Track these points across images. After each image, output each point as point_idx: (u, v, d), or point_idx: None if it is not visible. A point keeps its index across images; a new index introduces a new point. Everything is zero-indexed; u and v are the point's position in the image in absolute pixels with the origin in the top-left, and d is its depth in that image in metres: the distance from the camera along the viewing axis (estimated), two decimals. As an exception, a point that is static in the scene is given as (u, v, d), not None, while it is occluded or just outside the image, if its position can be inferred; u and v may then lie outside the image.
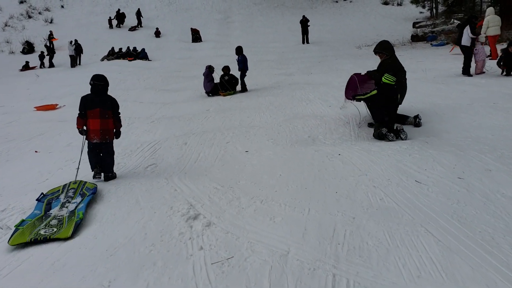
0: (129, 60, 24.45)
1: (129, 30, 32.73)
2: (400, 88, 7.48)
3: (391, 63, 7.61)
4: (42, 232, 4.42)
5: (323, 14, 32.41)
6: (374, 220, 4.09)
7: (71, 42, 24.73)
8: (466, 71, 12.17)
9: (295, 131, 7.81)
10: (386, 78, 7.15)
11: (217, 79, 13.36)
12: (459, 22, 25.18)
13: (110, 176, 6.03)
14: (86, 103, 5.87)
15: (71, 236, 4.31)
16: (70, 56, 24.48)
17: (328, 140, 7.12)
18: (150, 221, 4.50)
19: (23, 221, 4.67)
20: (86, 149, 6.11)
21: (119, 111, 6.27)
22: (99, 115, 5.88)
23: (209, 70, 13.08)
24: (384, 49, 7.81)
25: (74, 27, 32.14)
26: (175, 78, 17.56)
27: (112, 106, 6.05)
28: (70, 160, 7.19)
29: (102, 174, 6.04)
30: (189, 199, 4.98)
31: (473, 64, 12.23)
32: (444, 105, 8.87)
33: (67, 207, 5.03)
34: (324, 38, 26.83)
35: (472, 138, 6.37)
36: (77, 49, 24.97)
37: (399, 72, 7.52)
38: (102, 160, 6.04)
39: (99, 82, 5.95)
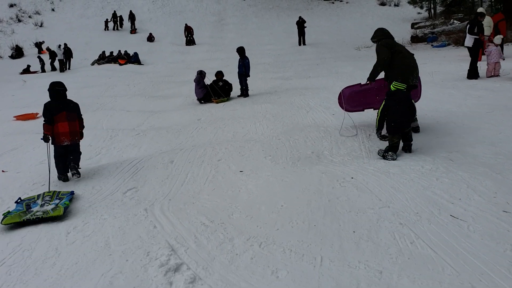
0: (121, 64, 23.39)
1: (130, 33, 31.73)
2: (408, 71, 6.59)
3: (384, 42, 6.80)
4: (36, 213, 4.81)
5: (319, 16, 31.47)
6: (407, 276, 3.11)
7: (59, 46, 23.64)
8: (470, 74, 11.26)
9: (296, 145, 6.82)
10: (395, 86, 6.15)
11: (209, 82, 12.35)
12: (458, 22, 24.39)
13: (77, 168, 6.20)
14: (51, 109, 6.02)
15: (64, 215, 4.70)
16: (59, 60, 23.42)
17: (335, 157, 6.13)
18: (119, 273, 3.49)
19: (9, 212, 4.87)
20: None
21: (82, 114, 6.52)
22: (66, 118, 6.06)
23: (200, 75, 12.06)
24: (376, 36, 7.06)
25: (65, 31, 31.04)
26: (166, 84, 16.53)
27: (75, 108, 6.31)
28: (39, 183, 6.16)
29: (69, 170, 6.19)
30: (170, 240, 3.97)
31: (484, 66, 11.31)
32: (460, 114, 7.92)
33: (47, 206, 5.05)
34: (321, 40, 25.88)
35: (505, 155, 5.39)
36: (66, 54, 23.91)
37: (395, 48, 6.77)
38: (69, 162, 6.20)
39: (60, 88, 6.19)
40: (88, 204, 5.22)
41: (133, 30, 31.84)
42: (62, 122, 6.01)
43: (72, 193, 5.49)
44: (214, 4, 36.73)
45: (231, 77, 14.96)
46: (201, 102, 12.01)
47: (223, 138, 7.90)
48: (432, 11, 29.31)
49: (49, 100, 6.19)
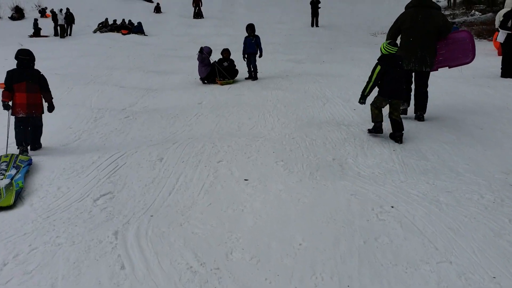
0: (123, 34, 21.91)
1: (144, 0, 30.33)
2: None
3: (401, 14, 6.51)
4: None
5: (333, -3, 29.70)
6: None
7: (61, 10, 22.12)
8: (505, 72, 9.97)
9: (313, 148, 5.53)
10: (387, 49, 5.70)
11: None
12: (480, 14, 22.80)
13: (37, 147, 5.93)
14: (12, 77, 5.64)
15: (14, 204, 4.16)
16: (60, 25, 21.94)
17: (362, 169, 4.85)
18: None
19: None
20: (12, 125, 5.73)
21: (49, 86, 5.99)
22: (26, 89, 5.64)
23: (201, 54, 10.60)
24: None
25: (69, -5, 29.35)
26: (169, 58, 15.11)
27: (39, 80, 5.81)
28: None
29: (29, 147, 5.79)
30: (141, 293, 2.74)
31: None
32: (505, 119, 6.63)
33: (1, 179, 4.64)
34: (334, 22, 24.27)
35: None
36: (68, 19, 22.42)
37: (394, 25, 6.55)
38: (29, 135, 5.81)
39: (24, 57, 5.74)
40: (47, 214, 3.96)
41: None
42: (21, 92, 5.61)
43: (30, 161, 5.09)
44: (225, -23, 34.85)
45: (240, 55, 13.59)
46: (204, 82, 10.65)
47: (226, 131, 6.60)
48: (452, 0, 27.59)
49: (15, 67, 5.78)
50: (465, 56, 6.74)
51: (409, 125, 6.19)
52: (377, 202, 3.85)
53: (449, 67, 7.00)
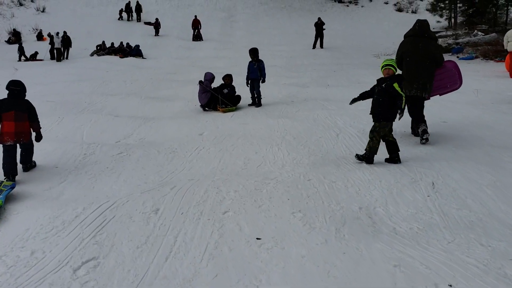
0: (120, 57, 21.22)
1: (145, 23, 29.71)
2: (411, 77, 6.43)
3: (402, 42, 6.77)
4: None
5: (333, 18, 29.19)
6: None
7: (57, 34, 21.48)
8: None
9: (334, 193, 4.71)
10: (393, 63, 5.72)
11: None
12: (483, 34, 22.24)
13: (29, 166, 5.94)
14: (1, 107, 5.63)
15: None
16: (56, 49, 21.25)
17: (397, 222, 4.02)
18: None
19: None
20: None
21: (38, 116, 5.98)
22: (14, 117, 5.65)
23: (206, 82, 9.91)
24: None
25: (67, 18, 28.79)
26: (168, 82, 14.36)
27: (28, 109, 5.83)
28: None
29: (22, 166, 5.86)
30: None
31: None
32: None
33: None
34: (335, 44, 23.67)
35: None
36: (65, 42, 21.75)
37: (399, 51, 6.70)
38: (18, 161, 5.81)
39: (15, 87, 5.80)
40: (11, 293, 3.11)
41: (149, 23, 29.74)
42: (9, 121, 5.63)
43: (13, 186, 5.11)
44: (224, 0, 34.46)
45: (241, 79, 12.85)
46: (204, 109, 9.87)
47: (231, 169, 5.78)
48: (453, 20, 27.08)
49: (5, 97, 5.77)
50: (454, 83, 6.89)
51: (441, 164, 5.37)
52: (429, 278, 3.00)
53: (440, 95, 7.19)
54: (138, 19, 30.51)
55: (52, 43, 21.50)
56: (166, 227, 4.04)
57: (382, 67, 5.68)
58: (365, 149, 5.69)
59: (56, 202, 4.73)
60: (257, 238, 3.77)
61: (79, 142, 7.26)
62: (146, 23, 30.04)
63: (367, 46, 22.86)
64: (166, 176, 5.59)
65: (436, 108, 8.97)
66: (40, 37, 25.38)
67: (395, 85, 5.44)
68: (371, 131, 5.63)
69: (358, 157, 5.67)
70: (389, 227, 3.93)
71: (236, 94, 10.10)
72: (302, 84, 13.25)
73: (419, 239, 3.66)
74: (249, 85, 10.17)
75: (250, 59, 10.15)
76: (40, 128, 6.00)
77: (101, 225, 4.08)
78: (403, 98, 5.51)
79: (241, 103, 10.11)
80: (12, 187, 5.06)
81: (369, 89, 6.01)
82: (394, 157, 5.61)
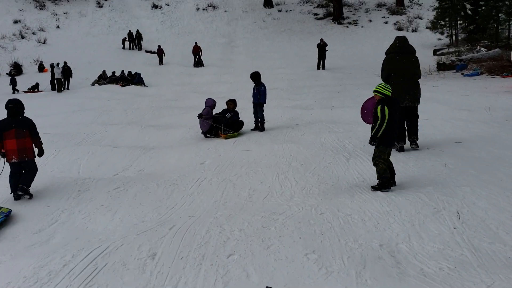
0: (121, 86, 20.99)
1: (146, 51, 29.68)
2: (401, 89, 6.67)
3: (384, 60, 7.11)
4: None
5: (334, 40, 28.97)
6: None
7: (57, 64, 21.31)
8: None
9: (350, 228, 4.22)
10: (380, 89, 5.39)
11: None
12: (486, 50, 21.93)
13: (25, 189, 5.80)
14: (1, 126, 5.77)
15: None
16: (57, 79, 21.04)
17: (425, 262, 3.52)
18: None
19: None
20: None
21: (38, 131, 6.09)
22: (15, 135, 5.77)
23: (205, 112, 9.56)
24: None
25: (68, 49, 28.78)
26: (169, 109, 14.00)
27: (28, 125, 5.93)
28: None
29: (18, 187, 5.79)
30: None
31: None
32: None
33: None
34: (337, 65, 23.39)
35: None
36: (65, 73, 21.56)
37: (387, 67, 6.94)
38: (20, 181, 5.83)
39: (13, 105, 5.89)
40: None
41: (151, 51, 29.69)
42: (10, 139, 5.76)
43: (9, 212, 5.21)
44: (224, 25, 34.47)
45: (243, 103, 12.49)
46: (206, 136, 9.45)
47: (234, 202, 5.31)
48: (454, 37, 26.83)
49: (5, 117, 5.91)
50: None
51: (463, 191, 4.89)
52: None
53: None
54: (139, 48, 30.47)
55: (52, 73, 21.32)
56: (164, 276, 3.56)
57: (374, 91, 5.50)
58: (377, 178, 5.31)
59: (44, 248, 4.27)
60: (267, 287, 3.27)
61: (74, 177, 6.82)
62: (147, 51, 30.00)
63: (369, 65, 22.53)
64: (165, 212, 5.13)
65: (447, 128, 8.52)
66: (41, 68, 25.26)
67: (378, 108, 5.24)
68: (373, 158, 5.36)
69: (375, 188, 5.27)
70: (415, 268, 3.44)
71: (240, 119, 9.68)
72: (305, 106, 12.87)
73: (453, 283, 3.16)
74: (253, 109, 9.80)
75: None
76: (42, 143, 6.13)
77: (91, 275, 3.60)
78: (380, 123, 5.19)
79: (244, 128, 9.69)
80: (7, 215, 5.09)
81: (381, 120, 5.47)
82: (392, 181, 5.37)
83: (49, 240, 4.56)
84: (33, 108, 16.52)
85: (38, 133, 6.04)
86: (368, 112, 6.26)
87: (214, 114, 9.65)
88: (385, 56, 7.20)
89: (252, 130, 9.73)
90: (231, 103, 9.82)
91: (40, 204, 5.63)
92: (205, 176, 6.42)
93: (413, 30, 30.72)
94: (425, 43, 27.97)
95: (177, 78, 22.58)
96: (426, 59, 22.63)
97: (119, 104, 15.90)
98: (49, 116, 14.07)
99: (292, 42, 30.95)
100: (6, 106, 5.88)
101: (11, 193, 5.80)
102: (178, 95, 17.52)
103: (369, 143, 5.44)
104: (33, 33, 30.94)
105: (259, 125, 9.65)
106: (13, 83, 21.15)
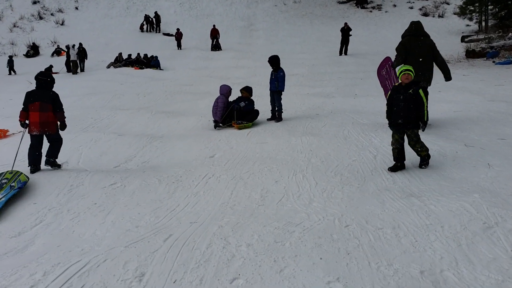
0: (135, 69, 20.34)
1: (164, 34, 28.86)
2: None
3: (400, 43, 7.30)
4: None
5: (356, 24, 27.73)
6: None
7: (73, 46, 20.74)
8: None
9: (383, 246, 3.43)
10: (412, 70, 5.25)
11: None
12: (519, 36, 20.56)
13: (52, 161, 5.92)
14: (29, 98, 5.81)
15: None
16: (72, 61, 20.50)
17: (481, 301, 2.74)
18: None
19: None
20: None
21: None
22: (39, 108, 5.75)
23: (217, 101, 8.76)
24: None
25: (86, 30, 28.26)
26: (182, 95, 13.28)
27: (52, 100, 5.87)
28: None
29: (45, 159, 5.90)
30: None
31: None
32: None
33: None
34: (360, 50, 22.28)
35: None
36: (80, 54, 20.99)
37: (405, 52, 7.06)
38: (46, 154, 5.95)
39: (42, 77, 5.87)
40: None
41: (168, 33, 28.89)
42: (34, 112, 5.76)
43: (24, 183, 5.20)
44: (244, 8, 33.44)
45: (260, 90, 11.68)
46: (218, 126, 8.70)
47: (244, 205, 4.55)
48: (484, 23, 25.37)
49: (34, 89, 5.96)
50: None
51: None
52: None
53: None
54: (157, 30, 29.76)
55: (68, 55, 20.78)
56: (150, 306, 2.84)
57: (401, 72, 5.24)
58: (424, 156, 5.29)
59: (16, 260, 3.59)
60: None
61: (71, 168, 6.16)
62: (165, 34, 29.27)
63: (394, 52, 21.36)
64: (164, 216, 4.40)
65: (485, 122, 7.59)
66: (58, 53, 24.54)
67: (420, 91, 5.11)
68: (418, 142, 5.22)
69: (423, 164, 5.30)
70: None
71: (255, 109, 8.87)
72: (327, 94, 11.99)
73: None
74: (270, 97, 8.99)
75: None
76: (65, 118, 6.08)
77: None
78: (426, 105, 5.14)
79: (260, 117, 8.90)
80: (20, 187, 5.09)
81: (386, 104, 5.49)
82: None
83: (27, 247, 3.89)
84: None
85: (61, 105, 6.00)
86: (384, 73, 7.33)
87: (228, 102, 8.86)
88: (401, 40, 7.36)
89: (268, 119, 8.94)
90: (246, 91, 8.99)
91: (26, 200, 4.98)
92: (213, 172, 5.68)
93: (439, 16, 29.28)
94: (452, 30, 26.63)
95: (194, 62, 21.82)
96: (453, 46, 21.43)
97: (132, 88, 15.24)
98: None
99: (313, 26, 29.82)
100: (36, 77, 5.88)
101: (28, 166, 5.78)
102: (194, 79, 16.77)
103: (423, 130, 5.29)
104: (52, 14, 30.48)
105: (276, 115, 8.85)
106: (10, 64, 20.68)
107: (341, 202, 4.42)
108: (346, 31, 21.39)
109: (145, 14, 29.79)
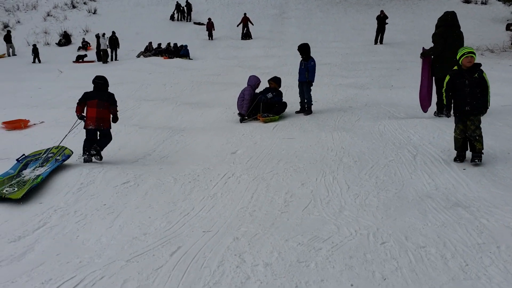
0: (164, 59, 20.05)
1: (194, 23, 28.48)
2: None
3: (437, 33, 7.13)
4: (4, 190, 4.65)
5: (393, 12, 26.47)
6: None
7: (103, 34, 20.61)
8: None
9: (426, 272, 2.86)
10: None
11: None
12: None
13: (98, 149, 6.09)
14: (87, 95, 6.25)
15: (22, 198, 4.46)
16: (102, 50, 20.38)
17: None
18: None
19: None
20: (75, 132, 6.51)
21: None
22: (96, 105, 6.13)
23: (244, 91, 8.24)
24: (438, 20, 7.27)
25: (117, 19, 28.14)
26: (209, 85, 12.83)
27: (108, 98, 6.26)
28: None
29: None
30: None
31: None
32: None
33: (37, 170, 5.25)
34: (396, 39, 21.24)
35: None
36: (113, 43, 20.85)
37: (444, 42, 6.93)
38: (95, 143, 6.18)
39: (98, 81, 6.32)
40: None
41: (199, 23, 28.43)
42: (92, 108, 6.15)
43: (68, 156, 5.67)
44: (276, -4, 32.64)
45: (290, 80, 11.07)
46: (244, 119, 8.20)
47: (265, 211, 4.05)
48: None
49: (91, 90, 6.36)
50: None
51: None
52: None
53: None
54: (188, 19, 29.40)
55: (98, 44, 20.67)
56: None
57: (462, 55, 4.87)
58: (479, 149, 4.84)
59: (9, 270, 3.22)
60: None
61: (87, 163, 5.83)
62: (196, 23, 28.85)
63: (430, 39, 20.30)
64: (176, 221, 3.95)
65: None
66: (85, 47, 23.76)
67: (484, 74, 4.88)
68: (478, 128, 4.84)
69: (477, 158, 4.83)
70: None
71: (283, 101, 8.32)
72: (360, 85, 11.30)
73: None
74: (298, 89, 8.42)
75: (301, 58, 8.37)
76: (117, 111, 6.44)
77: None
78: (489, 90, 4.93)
79: (287, 110, 8.35)
80: (64, 160, 5.57)
81: (443, 90, 5.13)
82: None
83: (25, 254, 3.52)
84: (75, 79, 15.98)
85: (116, 102, 6.37)
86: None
87: (255, 94, 8.35)
88: (436, 29, 7.21)
89: (296, 112, 8.38)
90: (274, 81, 8.43)
91: (33, 199, 4.63)
92: (233, 171, 5.20)
93: (482, 3, 27.68)
94: (496, 17, 25.10)
95: (223, 51, 21.33)
96: (498, 35, 20.14)
97: (159, 78, 14.92)
98: (86, 88, 13.13)
99: (348, 14, 28.74)
100: (93, 81, 6.36)
101: (82, 156, 6.05)
102: (222, 69, 16.29)
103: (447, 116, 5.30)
104: (84, 3, 30.56)
105: (305, 107, 8.28)
106: (35, 52, 20.69)
107: (377, 211, 3.86)
108: (382, 19, 20.42)
109: (176, 2, 29.44)
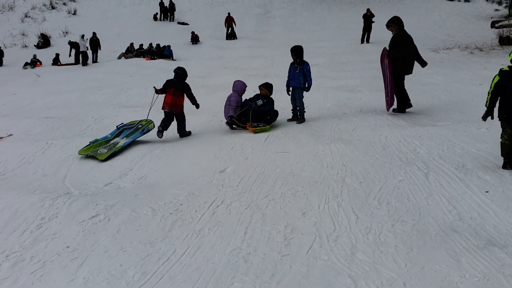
0: (147, 60, 19.13)
1: (178, 23, 27.54)
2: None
3: (402, 36, 7.55)
4: (99, 151, 6.16)
5: (378, 10, 25.80)
6: None
7: (82, 36, 19.60)
8: None
9: None
10: None
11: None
12: (555, 21, 18.77)
13: (182, 134, 7.32)
14: (168, 83, 7.44)
15: (104, 160, 5.91)
16: (82, 52, 19.34)
17: None
18: None
19: (96, 140, 6.62)
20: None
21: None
22: (172, 92, 7.26)
23: (229, 100, 7.51)
24: (394, 22, 7.81)
25: (98, 20, 27.06)
26: (194, 89, 11.55)
27: (183, 89, 7.40)
28: None
29: (179, 135, 7.34)
30: None
31: None
32: None
33: (124, 139, 6.74)
34: (382, 38, 20.43)
35: None
36: (94, 44, 19.81)
37: (408, 44, 7.48)
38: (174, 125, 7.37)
39: (178, 71, 7.48)
40: None
41: (183, 23, 27.45)
42: (169, 94, 7.25)
43: (148, 130, 7.05)
44: (260, -5, 31.84)
45: (277, 82, 10.30)
46: (232, 128, 7.45)
47: (263, 253, 3.30)
48: (514, 7, 23.42)
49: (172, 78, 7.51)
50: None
51: None
52: None
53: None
54: (172, 19, 28.42)
55: (76, 46, 19.62)
56: None
57: None
58: None
59: None
60: None
61: (52, 187, 4.98)
62: (180, 22, 27.89)
63: (420, 39, 19.51)
64: (152, 272, 3.18)
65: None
66: (33, 64, 19.46)
67: None
68: None
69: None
70: None
71: (274, 109, 7.54)
72: (352, 88, 10.61)
73: None
74: (289, 94, 7.68)
75: (292, 61, 7.63)
76: (196, 101, 7.63)
77: None
78: None
79: (279, 117, 7.60)
80: (144, 133, 6.99)
81: (490, 91, 4.62)
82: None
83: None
84: (52, 84, 14.96)
85: (192, 93, 7.54)
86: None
87: (243, 100, 7.59)
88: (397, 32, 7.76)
89: (289, 120, 7.64)
90: (265, 88, 7.66)
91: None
92: (223, 197, 4.43)
93: (465, 0, 27.29)
94: (480, 15, 24.70)
95: (208, 52, 20.47)
96: (483, 32, 19.68)
97: (141, 81, 14.03)
98: (62, 94, 12.37)
99: (332, 13, 28.08)
100: (174, 70, 7.53)
101: (157, 128, 7.09)
102: (207, 71, 15.47)
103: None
104: (64, 4, 29.31)
105: (298, 115, 7.54)
106: (0, 55, 19.82)
107: (396, 253, 3.14)
108: (368, 18, 19.81)
109: (160, 1, 28.42)
